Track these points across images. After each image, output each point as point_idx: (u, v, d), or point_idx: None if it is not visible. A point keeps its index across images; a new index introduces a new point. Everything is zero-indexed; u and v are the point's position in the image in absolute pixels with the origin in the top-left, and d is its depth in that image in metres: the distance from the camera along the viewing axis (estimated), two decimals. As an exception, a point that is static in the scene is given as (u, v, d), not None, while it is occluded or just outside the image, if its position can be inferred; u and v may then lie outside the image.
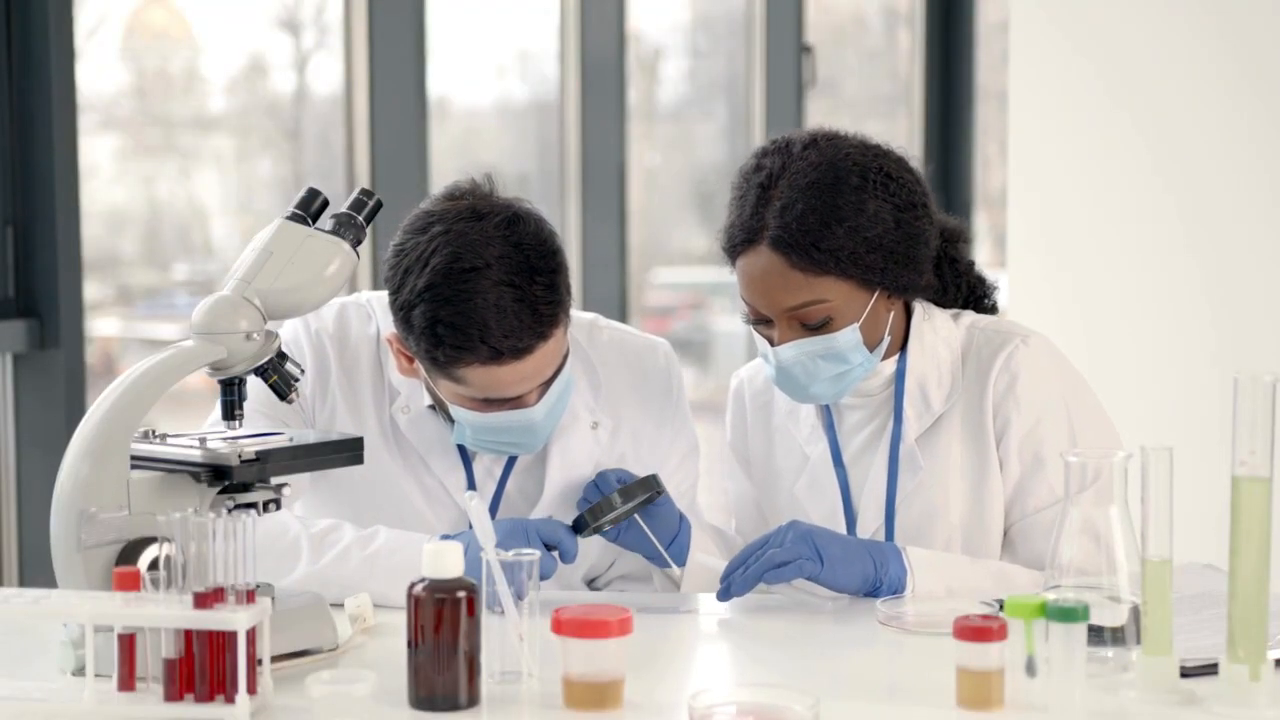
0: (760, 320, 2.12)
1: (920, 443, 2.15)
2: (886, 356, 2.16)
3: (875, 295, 2.09)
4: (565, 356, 2.13)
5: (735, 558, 2.03)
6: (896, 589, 2.02)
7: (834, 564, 2.00)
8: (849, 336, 2.08)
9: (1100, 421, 2.15)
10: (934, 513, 2.13)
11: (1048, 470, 2.10)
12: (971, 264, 2.29)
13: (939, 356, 2.16)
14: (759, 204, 2.08)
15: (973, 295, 2.28)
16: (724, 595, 2.02)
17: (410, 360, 2.13)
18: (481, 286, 2.01)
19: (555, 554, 2.05)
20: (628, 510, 2.11)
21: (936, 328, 2.18)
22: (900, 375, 2.16)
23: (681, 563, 2.17)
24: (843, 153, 2.09)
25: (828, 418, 2.23)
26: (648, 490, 2.12)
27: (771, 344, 2.12)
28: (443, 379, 2.09)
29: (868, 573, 2.01)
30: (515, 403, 2.10)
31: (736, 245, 2.10)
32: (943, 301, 2.24)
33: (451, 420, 2.15)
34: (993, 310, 2.29)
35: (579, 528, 2.09)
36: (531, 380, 2.08)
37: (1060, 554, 1.72)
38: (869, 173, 2.07)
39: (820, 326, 2.07)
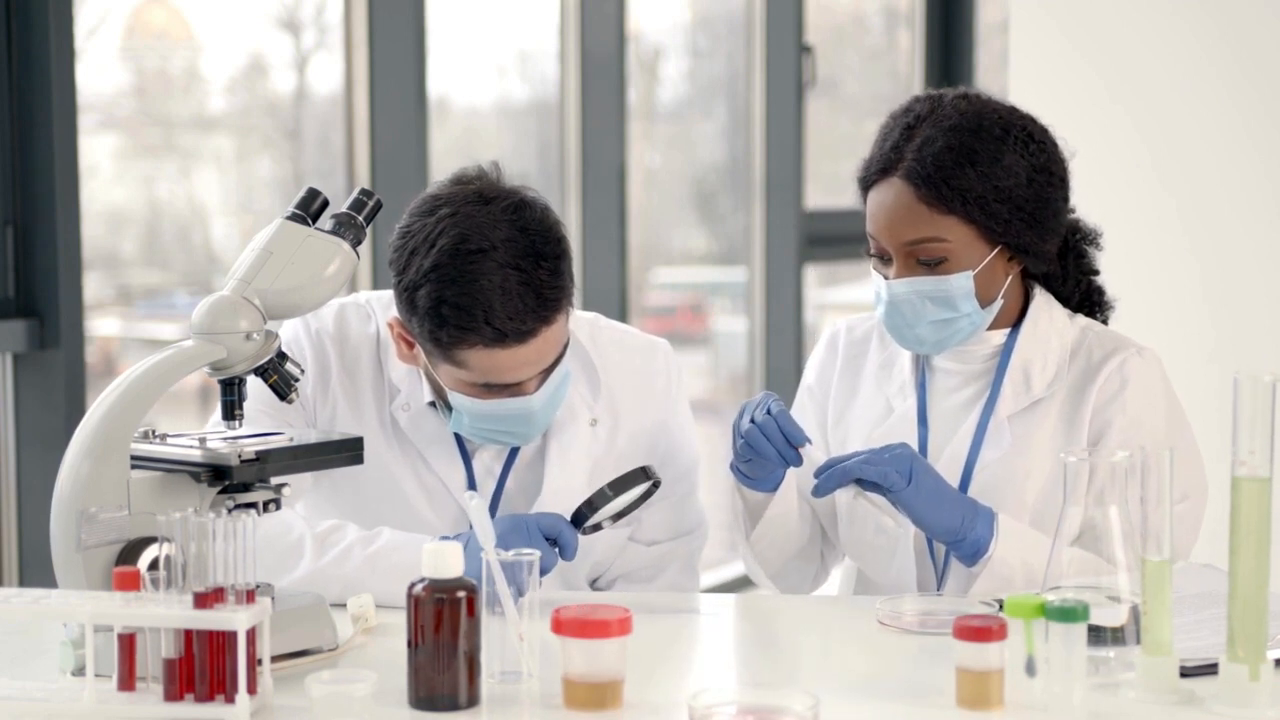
0: (881, 256, 2.16)
1: (1011, 420, 2.17)
2: (996, 326, 2.19)
3: (995, 250, 2.13)
4: (565, 346, 2.14)
5: (836, 456, 2.09)
6: (978, 549, 2.05)
7: (923, 495, 2.04)
8: (961, 282, 2.11)
9: (1192, 448, 2.17)
10: (1008, 488, 2.14)
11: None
12: (1096, 271, 2.32)
13: (1049, 344, 2.19)
14: (901, 140, 2.14)
15: (1087, 302, 2.30)
16: (816, 491, 2.08)
17: (410, 346, 2.14)
18: (487, 268, 2.02)
19: (556, 550, 2.04)
20: (627, 504, 2.09)
21: (1054, 317, 2.22)
22: (1007, 351, 2.19)
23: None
24: (990, 107, 2.16)
25: (921, 377, 2.26)
26: (644, 480, 2.09)
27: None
28: (443, 363, 2.09)
29: (954, 524, 2.05)
30: (514, 390, 2.10)
31: (872, 175, 2.16)
32: (1060, 293, 2.27)
33: (451, 412, 2.15)
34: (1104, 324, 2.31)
35: (578, 522, 2.08)
36: (532, 366, 2.09)
37: (1062, 554, 1.73)
38: (1012, 128, 2.13)
39: (935, 265, 2.11)
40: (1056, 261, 2.23)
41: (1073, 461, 1.72)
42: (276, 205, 3.76)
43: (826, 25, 5.76)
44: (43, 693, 1.67)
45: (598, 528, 2.10)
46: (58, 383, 3.08)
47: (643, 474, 2.09)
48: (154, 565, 1.69)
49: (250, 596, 1.61)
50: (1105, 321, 2.32)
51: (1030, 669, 1.60)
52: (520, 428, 2.14)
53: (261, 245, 1.88)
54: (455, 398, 2.12)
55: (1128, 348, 2.19)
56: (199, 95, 3.84)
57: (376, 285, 3.65)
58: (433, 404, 2.21)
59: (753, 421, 2.09)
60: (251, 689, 1.60)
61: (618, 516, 2.11)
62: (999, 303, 2.17)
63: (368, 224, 1.94)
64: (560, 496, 2.21)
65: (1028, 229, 2.13)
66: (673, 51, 5.38)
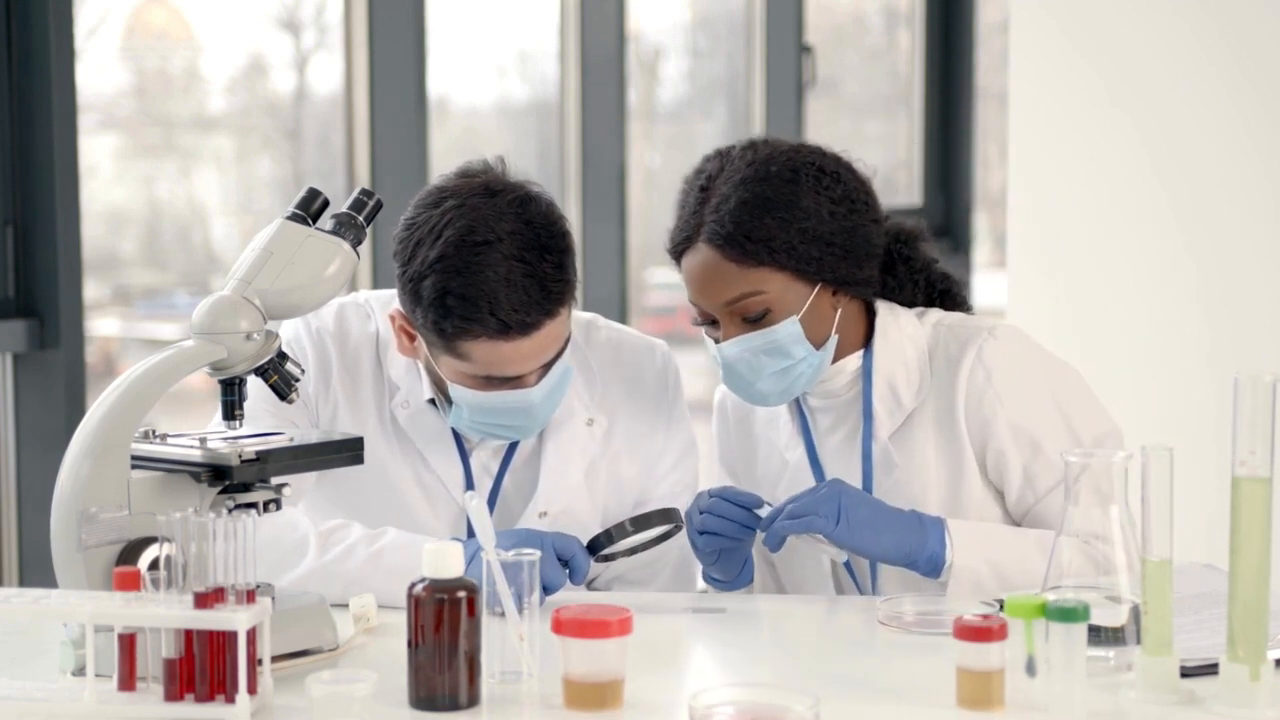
0: (707, 321, 2.15)
1: (893, 440, 2.16)
2: (845, 354, 2.18)
3: (816, 289, 2.11)
4: (567, 341, 2.14)
5: (775, 508, 2.06)
6: (935, 564, 2.03)
7: (858, 527, 2.01)
8: (789, 329, 2.10)
9: (1085, 396, 2.16)
10: (910, 507, 2.13)
11: (1047, 452, 2.12)
12: (932, 261, 2.29)
13: (905, 354, 2.17)
14: (698, 205, 2.14)
15: (936, 293, 2.28)
16: (769, 548, 2.06)
17: (411, 338, 2.15)
18: (492, 260, 2.03)
19: (566, 571, 2.04)
20: (644, 542, 2.09)
21: (902, 326, 2.19)
22: (867, 374, 2.18)
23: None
24: (778, 151, 2.14)
25: (803, 421, 2.25)
26: (665, 521, 2.09)
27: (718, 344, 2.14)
28: (446, 355, 2.10)
29: (902, 546, 2.03)
30: (515, 383, 2.10)
31: (679, 246, 2.16)
32: (901, 300, 2.25)
33: (450, 407, 2.16)
34: (965, 308, 2.29)
35: (594, 549, 2.07)
36: (534, 360, 2.09)
37: (1061, 554, 1.73)
38: (801, 168, 2.11)
39: (759, 319, 2.10)
40: (882, 279, 2.20)
41: (1073, 461, 1.72)
42: (276, 205, 3.76)
43: (826, 25, 5.76)
44: (43, 693, 1.67)
45: (611, 558, 2.10)
46: (58, 383, 3.08)
47: (664, 516, 2.09)
48: (154, 565, 1.69)
49: (250, 596, 1.61)
50: (965, 304, 2.29)
51: (1030, 669, 1.60)
52: (520, 421, 2.14)
53: (262, 245, 1.88)
54: (455, 390, 2.12)
55: (979, 334, 2.16)
56: (199, 95, 3.84)
57: (377, 285, 3.65)
58: (432, 401, 2.21)
59: (702, 513, 2.08)
60: (252, 689, 1.60)
61: (632, 552, 2.11)
62: (834, 338, 2.15)
63: (368, 224, 1.94)
64: (556, 495, 2.22)
65: (841, 262, 2.11)
66: (673, 51, 5.38)
